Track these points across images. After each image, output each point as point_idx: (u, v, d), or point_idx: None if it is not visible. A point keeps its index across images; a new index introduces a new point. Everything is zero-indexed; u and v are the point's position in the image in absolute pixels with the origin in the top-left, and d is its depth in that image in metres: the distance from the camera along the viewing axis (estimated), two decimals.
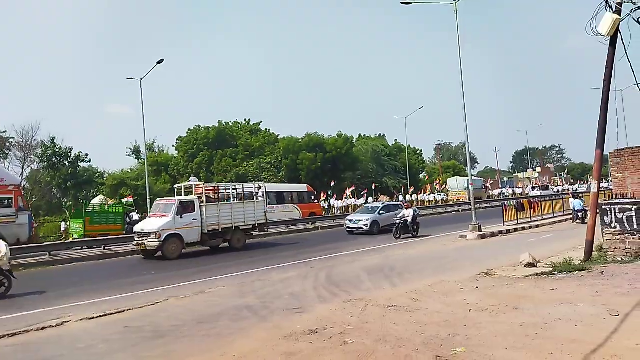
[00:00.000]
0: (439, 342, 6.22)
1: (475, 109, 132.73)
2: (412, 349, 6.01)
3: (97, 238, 20.11)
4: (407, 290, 9.51)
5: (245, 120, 59.45)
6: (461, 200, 46.02)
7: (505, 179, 75.25)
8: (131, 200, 29.95)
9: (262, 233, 21.67)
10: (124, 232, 22.26)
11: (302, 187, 33.40)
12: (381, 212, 23.27)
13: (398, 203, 26.74)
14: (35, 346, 7.22)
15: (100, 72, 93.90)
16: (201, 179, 49.94)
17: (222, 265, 14.76)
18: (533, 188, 58.78)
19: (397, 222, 20.06)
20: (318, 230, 26.21)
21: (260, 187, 24.88)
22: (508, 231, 20.59)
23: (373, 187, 45.60)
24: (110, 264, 16.92)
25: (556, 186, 62.83)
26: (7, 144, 40.68)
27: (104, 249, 19.12)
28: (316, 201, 33.98)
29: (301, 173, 47.05)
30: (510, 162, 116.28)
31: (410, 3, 21.97)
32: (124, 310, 9.02)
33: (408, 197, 45.52)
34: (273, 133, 56.98)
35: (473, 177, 55.39)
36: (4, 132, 39.82)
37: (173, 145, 56.28)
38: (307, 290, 10.41)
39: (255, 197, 22.02)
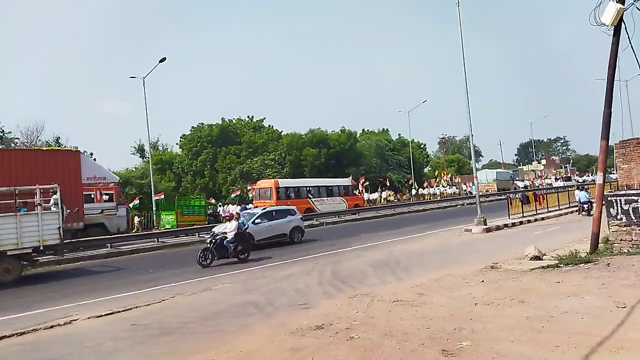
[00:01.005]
0: (445, 336, 6.22)
1: (479, 101, 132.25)
2: (418, 344, 6.01)
3: (186, 227, 24.32)
4: (413, 285, 9.52)
5: (248, 117, 59.51)
6: (490, 191, 48.54)
7: (510, 171, 74.91)
8: (137, 202, 30.08)
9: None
10: (206, 222, 26.58)
11: (347, 181, 36.29)
12: (260, 220, 17.93)
13: (290, 208, 20.20)
14: (44, 345, 7.28)
15: (103, 70, 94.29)
16: (205, 176, 50.13)
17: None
18: (557, 179, 59.00)
19: (210, 239, 14.57)
20: (363, 221, 27.42)
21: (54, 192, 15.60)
22: (513, 224, 20.53)
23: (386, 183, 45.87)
24: (121, 262, 17.00)
25: (581, 176, 62.83)
26: (12, 145, 40.88)
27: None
28: (358, 194, 36.98)
29: (305, 169, 47.07)
30: (515, 155, 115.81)
31: None
32: (131, 308, 9.07)
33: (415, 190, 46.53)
34: (276, 129, 57.00)
35: (500, 170, 58.16)
36: (8, 133, 40.10)
37: (177, 143, 56.44)
38: (312, 286, 10.44)
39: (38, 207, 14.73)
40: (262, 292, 9.99)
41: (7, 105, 73.73)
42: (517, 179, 60.85)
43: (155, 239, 21.28)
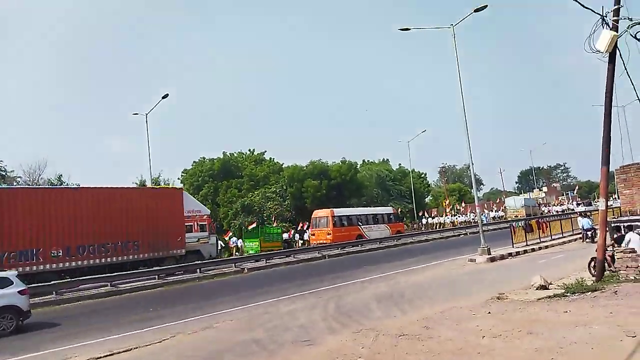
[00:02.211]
0: None
1: (478, 130, 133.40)
2: None
3: (266, 252, 27.29)
4: (418, 318, 9.35)
5: (249, 150, 59.90)
6: (519, 216, 49.29)
7: (534, 198, 74.69)
8: None
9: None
10: (282, 248, 31.32)
11: (390, 210, 39.47)
12: None
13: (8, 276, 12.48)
14: None
15: (104, 108, 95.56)
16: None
17: (228, 298, 14.57)
18: (578, 204, 59.21)
19: None
20: (366, 253, 27.56)
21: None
22: (518, 253, 20.32)
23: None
24: (115, 301, 16.75)
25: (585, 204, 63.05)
26: (15, 183, 41.05)
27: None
28: (400, 222, 39.53)
29: (306, 200, 47.01)
30: (516, 182, 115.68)
31: (409, 29, 22.39)
32: (130, 349, 8.88)
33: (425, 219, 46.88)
34: (277, 162, 57.24)
35: (527, 197, 59.27)
36: (11, 171, 40.29)
37: (178, 178, 56.50)
38: (315, 321, 10.24)
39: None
40: (265, 329, 9.79)
41: (8, 144, 74.42)
42: (542, 204, 62.12)
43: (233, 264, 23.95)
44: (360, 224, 33.94)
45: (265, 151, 59.84)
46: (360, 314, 10.48)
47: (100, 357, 8.46)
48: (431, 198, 65.87)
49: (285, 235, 35.41)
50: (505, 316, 8.87)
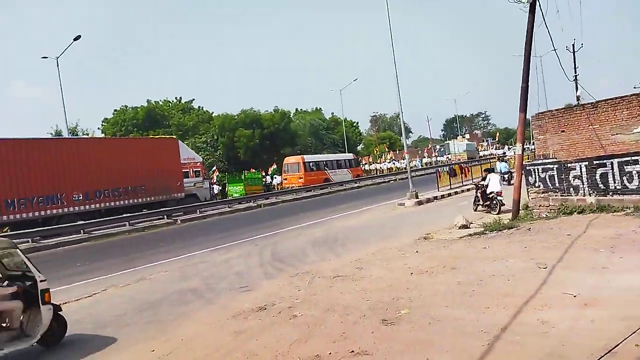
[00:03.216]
0: (384, 306, 6.44)
1: (407, 78, 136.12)
2: (359, 316, 6.18)
3: (251, 195, 30.09)
4: (352, 260, 9.74)
5: (176, 98, 57.20)
6: (462, 159, 53.49)
7: (438, 146, 78.26)
8: None
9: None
10: (263, 191, 34.27)
11: (350, 156, 42.64)
12: None
13: None
14: None
15: (12, 52, 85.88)
16: None
17: (163, 249, 14.30)
18: (509, 148, 63.63)
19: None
20: (300, 201, 28.31)
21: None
22: (442, 196, 21.55)
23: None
24: (40, 258, 15.85)
25: (501, 148, 67.80)
26: None
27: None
28: (359, 166, 43.46)
29: (239, 150, 46.26)
30: (442, 130, 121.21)
31: None
32: (60, 304, 8.49)
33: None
34: (207, 111, 55.34)
35: (468, 142, 62.67)
36: None
37: (99, 128, 53.07)
38: (252, 267, 10.36)
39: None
40: (201, 278, 9.77)
41: None
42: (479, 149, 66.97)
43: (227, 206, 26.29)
44: (327, 168, 36.96)
45: (194, 99, 57.61)
46: (296, 259, 10.72)
47: None
48: (363, 146, 67.36)
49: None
50: (431, 254, 9.48)
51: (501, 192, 14.72)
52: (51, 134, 49.78)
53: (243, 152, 45.60)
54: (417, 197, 20.23)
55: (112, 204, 21.91)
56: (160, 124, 50.58)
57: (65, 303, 8.57)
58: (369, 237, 12.69)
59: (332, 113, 64.91)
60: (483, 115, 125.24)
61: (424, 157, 62.50)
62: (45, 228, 19.05)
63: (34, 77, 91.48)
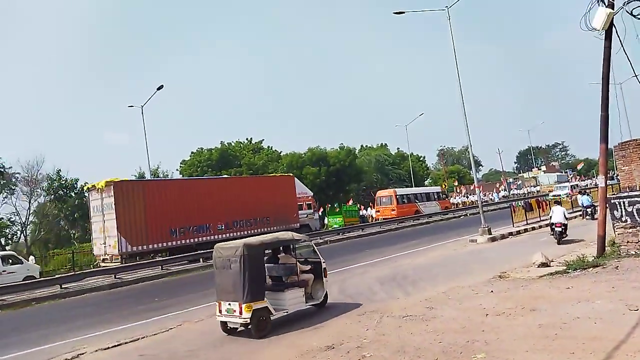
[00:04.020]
0: (458, 349, 6.14)
1: (476, 111, 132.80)
2: (431, 359, 5.93)
3: (348, 226, 32.61)
4: (422, 299, 9.43)
5: (247, 139, 59.75)
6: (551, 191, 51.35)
7: (511, 179, 74.84)
8: None
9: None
10: (359, 222, 36.07)
11: (438, 189, 44.53)
12: None
13: None
14: None
15: (101, 101, 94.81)
16: None
17: None
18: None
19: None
20: (366, 237, 28.34)
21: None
22: (518, 232, 20.43)
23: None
24: (121, 293, 16.87)
25: (582, 180, 63.51)
26: (13, 180, 40.88)
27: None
28: (447, 198, 44.12)
29: (307, 187, 47.04)
30: (515, 163, 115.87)
31: (403, 13, 22.22)
32: (138, 339, 8.96)
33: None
34: (275, 150, 57.17)
35: (560, 174, 60.80)
36: (9, 168, 40.09)
37: (177, 169, 56.39)
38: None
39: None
40: None
41: (5, 140, 74.05)
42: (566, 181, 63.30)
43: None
44: (417, 201, 38.38)
45: (263, 139, 59.75)
46: (364, 297, 10.55)
47: (108, 348, 8.54)
48: (430, 181, 65.90)
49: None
50: (507, 294, 8.95)
51: (560, 224, 15.76)
52: (135, 176, 53.78)
53: (310, 188, 46.31)
54: (490, 232, 19.34)
55: (245, 232, 24.52)
56: (232, 164, 52.87)
57: (143, 338, 9.04)
58: (439, 275, 12.24)
59: (398, 148, 64.59)
60: (560, 146, 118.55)
61: (500, 190, 59.59)
62: (133, 264, 20.57)
63: (118, 123, 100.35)
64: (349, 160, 49.81)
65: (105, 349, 8.48)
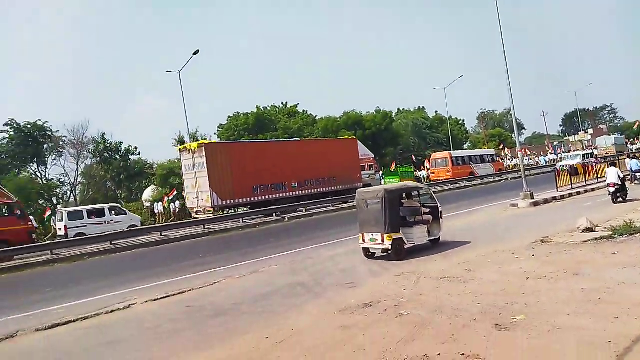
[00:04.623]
0: (497, 311, 6.14)
1: (519, 72, 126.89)
2: (469, 319, 5.97)
3: None
4: (460, 261, 9.41)
5: (282, 103, 59.72)
6: (609, 154, 50.45)
7: (555, 143, 71.86)
8: (175, 193, 30.91)
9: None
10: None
11: (492, 151, 45.32)
12: None
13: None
14: (106, 328, 7.71)
15: (139, 67, 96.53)
16: None
17: (272, 245, 15.05)
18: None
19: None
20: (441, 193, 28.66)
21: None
22: (562, 197, 19.80)
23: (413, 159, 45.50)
24: (171, 248, 17.68)
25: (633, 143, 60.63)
26: (61, 143, 42.61)
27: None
28: (500, 160, 44.83)
29: None
30: (560, 126, 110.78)
31: None
32: (185, 291, 9.43)
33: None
34: (311, 114, 56.97)
35: (617, 136, 59.14)
36: (56, 131, 41.80)
37: (215, 133, 57.22)
38: (357, 265, 10.50)
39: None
40: (309, 273, 10.13)
41: (50, 105, 76.86)
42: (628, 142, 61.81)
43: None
44: (471, 163, 38.97)
45: (298, 104, 59.52)
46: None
47: (157, 299, 9.04)
48: (470, 145, 64.30)
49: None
50: (549, 259, 8.80)
51: (613, 184, 15.76)
52: (175, 139, 55.04)
53: None
54: (532, 197, 18.84)
55: (314, 191, 27.06)
56: (268, 128, 53.19)
57: (190, 290, 9.52)
58: (478, 238, 12.13)
59: (436, 111, 63.08)
60: (609, 109, 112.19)
61: (549, 153, 57.01)
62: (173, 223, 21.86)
63: (157, 89, 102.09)
64: (385, 124, 49.15)
65: (154, 300, 8.99)
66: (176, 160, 47.68)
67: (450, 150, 49.78)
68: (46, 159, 42.05)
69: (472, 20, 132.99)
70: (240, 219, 22.94)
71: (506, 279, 7.73)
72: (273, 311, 7.64)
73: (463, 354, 4.88)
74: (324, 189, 27.59)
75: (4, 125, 39.40)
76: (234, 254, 13.99)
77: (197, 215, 23.93)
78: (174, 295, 9.24)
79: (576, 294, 6.47)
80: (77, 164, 42.16)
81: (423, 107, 64.57)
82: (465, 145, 62.13)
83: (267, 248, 14.56)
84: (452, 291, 7.37)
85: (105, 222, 22.46)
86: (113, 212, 23.29)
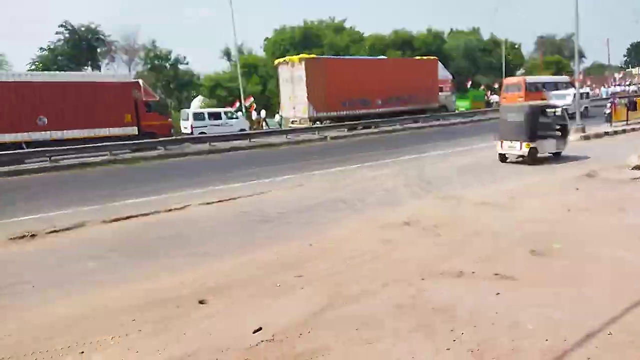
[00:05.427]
0: (536, 237, 6.32)
1: None
2: (507, 243, 6.21)
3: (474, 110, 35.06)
4: (503, 189, 9.49)
5: (330, 18, 57.34)
6: None
7: (616, 74, 66.78)
8: (252, 100, 31.16)
9: None
10: (484, 107, 38.00)
11: (566, 79, 42.47)
12: None
13: None
14: (165, 224, 8.44)
15: None
16: None
17: (316, 162, 15.40)
18: None
19: None
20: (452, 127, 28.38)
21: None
22: (615, 132, 18.93)
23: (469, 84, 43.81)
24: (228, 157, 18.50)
25: None
26: (113, 48, 43.25)
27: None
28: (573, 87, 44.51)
29: None
30: (624, 56, 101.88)
31: None
32: (236, 198, 10.04)
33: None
34: (358, 31, 54.67)
35: None
36: (109, 36, 42.26)
37: (261, 47, 56.36)
38: (398, 187, 10.75)
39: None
40: (352, 190, 10.48)
41: (102, 10, 76.84)
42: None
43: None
44: (545, 89, 37.29)
45: (346, 19, 56.93)
46: (443, 183, 10.74)
47: (211, 203, 9.71)
48: (524, 71, 60.73)
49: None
50: (594, 193, 8.75)
51: None
52: (221, 51, 54.59)
53: None
54: (583, 131, 18.13)
55: (396, 108, 28.33)
56: (315, 44, 51.72)
57: (239, 197, 10.13)
58: (523, 169, 12.04)
59: (492, 33, 59.09)
60: None
61: (614, 84, 53.13)
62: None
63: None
64: (436, 45, 46.92)
65: (208, 204, 9.65)
66: (222, 73, 47.96)
67: (503, 75, 47.53)
68: (99, 62, 43.01)
69: None
70: (316, 132, 23.98)
71: (548, 208, 7.82)
72: (315, 222, 8.09)
73: (497, 274, 5.15)
74: (404, 107, 28.80)
75: (59, 26, 39.88)
76: (281, 168, 14.43)
77: (292, 125, 25.67)
78: (226, 200, 9.88)
79: (617, 228, 6.53)
80: (129, 69, 43.05)
81: (478, 28, 60.52)
82: (518, 72, 58.75)
83: (313, 164, 14.89)
84: (492, 216, 7.55)
85: (221, 124, 24.49)
86: (227, 116, 25.40)
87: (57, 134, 19.52)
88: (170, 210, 9.20)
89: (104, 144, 19.09)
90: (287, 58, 27.10)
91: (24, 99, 18.82)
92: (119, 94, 20.97)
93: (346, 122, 25.92)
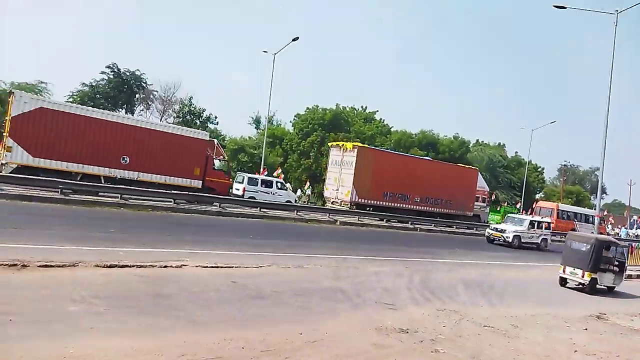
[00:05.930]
0: None
1: (617, 131, 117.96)
2: None
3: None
4: (507, 315, 9.11)
5: (361, 107, 59.79)
6: None
7: (635, 217, 66.66)
8: (280, 171, 32.16)
9: None
10: None
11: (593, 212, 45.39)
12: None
13: None
14: (158, 281, 8.23)
15: (231, 40, 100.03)
16: (310, 157, 51.66)
17: (321, 245, 15.23)
18: None
19: None
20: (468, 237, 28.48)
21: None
22: (630, 277, 18.39)
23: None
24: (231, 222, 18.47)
25: None
26: (151, 96, 45.39)
27: None
28: (603, 225, 42.90)
29: None
30: None
31: (565, 8, 20.32)
32: (232, 267, 9.83)
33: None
34: (387, 124, 56.59)
35: None
36: (151, 84, 44.63)
37: (290, 121, 58.47)
38: (400, 288, 10.43)
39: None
40: (352, 283, 10.19)
41: (148, 59, 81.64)
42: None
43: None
44: (576, 220, 38.35)
45: (377, 110, 59.27)
46: (446, 294, 10.40)
47: (207, 267, 9.51)
48: (542, 195, 61.13)
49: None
50: (603, 337, 8.35)
51: None
52: (252, 117, 56.74)
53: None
54: None
55: (431, 209, 28.98)
56: (342, 128, 53.48)
57: (237, 267, 9.92)
58: (531, 296, 11.64)
59: (516, 152, 60.51)
60: None
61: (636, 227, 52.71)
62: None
63: (244, 63, 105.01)
64: (461, 152, 47.97)
65: (204, 267, 9.44)
66: (247, 139, 49.49)
67: (522, 195, 47.85)
68: (135, 107, 44.97)
69: (572, 64, 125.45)
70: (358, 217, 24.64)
71: (552, 345, 7.43)
72: (310, 309, 7.80)
73: None
74: (439, 210, 29.38)
75: (105, 67, 42.40)
76: (283, 244, 14.31)
77: (333, 206, 26.29)
78: (222, 267, 9.66)
79: None
80: (161, 120, 44.76)
81: (503, 144, 62.21)
82: (537, 195, 59.15)
83: (318, 247, 14.74)
84: (494, 342, 7.20)
85: (270, 192, 25.22)
86: (277, 186, 26.15)
87: (133, 175, 20.48)
88: (165, 266, 9.01)
89: (171, 191, 19.89)
90: (340, 143, 28.97)
91: (115, 138, 20.05)
92: (195, 149, 22.33)
93: (384, 213, 26.59)
